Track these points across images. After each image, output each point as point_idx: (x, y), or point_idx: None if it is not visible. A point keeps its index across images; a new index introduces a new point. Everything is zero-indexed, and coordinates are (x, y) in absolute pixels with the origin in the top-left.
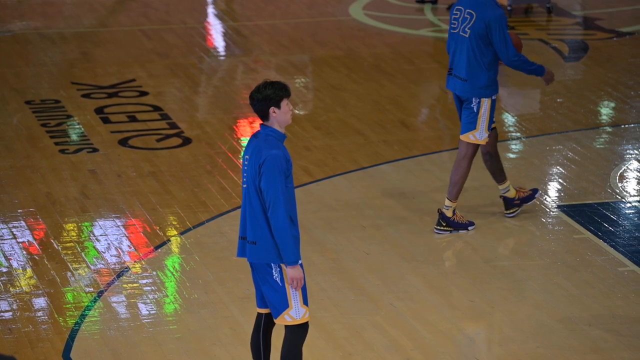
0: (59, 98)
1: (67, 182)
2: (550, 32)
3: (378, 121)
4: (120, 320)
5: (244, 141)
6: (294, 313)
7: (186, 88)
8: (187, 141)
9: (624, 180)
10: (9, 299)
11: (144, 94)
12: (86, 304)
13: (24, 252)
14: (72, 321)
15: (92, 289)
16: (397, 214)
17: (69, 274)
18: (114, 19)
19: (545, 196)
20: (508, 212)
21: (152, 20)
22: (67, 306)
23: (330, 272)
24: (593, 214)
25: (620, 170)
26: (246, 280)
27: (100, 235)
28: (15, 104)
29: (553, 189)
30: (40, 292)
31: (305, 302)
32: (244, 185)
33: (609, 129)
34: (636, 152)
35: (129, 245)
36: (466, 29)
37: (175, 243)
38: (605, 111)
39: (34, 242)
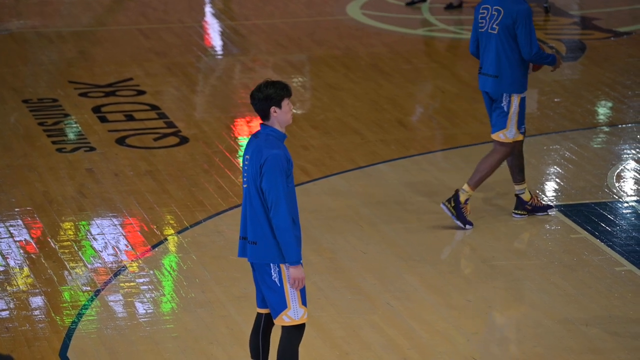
0: (57, 97)
1: (64, 181)
2: (547, 31)
3: (375, 120)
4: (117, 319)
5: (242, 140)
6: (293, 314)
7: (184, 87)
8: (184, 140)
9: (621, 180)
10: (6, 298)
11: (141, 93)
12: (83, 302)
13: (21, 251)
14: (69, 320)
15: (89, 288)
16: (394, 213)
17: (66, 272)
18: (111, 18)
19: (543, 196)
20: (517, 211)
21: (150, 19)
22: (64, 305)
23: (327, 271)
24: (590, 214)
25: (618, 170)
26: (243, 280)
27: (98, 234)
28: (12, 102)
29: (550, 188)
30: (37, 290)
31: (304, 302)
32: (245, 185)
33: (606, 129)
34: (633, 151)
35: (126, 244)
36: (494, 26)
37: (172, 242)
38: (603, 111)
39: (31, 240)
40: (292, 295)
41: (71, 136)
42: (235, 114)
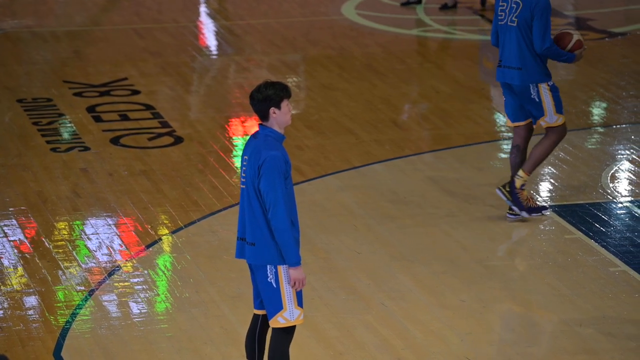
0: (51, 96)
1: (58, 181)
2: None
3: (370, 120)
4: (111, 319)
5: (236, 140)
6: (289, 315)
7: (178, 87)
8: (179, 140)
9: (616, 181)
10: None
11: (135, 92)
12: (77, 302)
13: (15, 251)
14: (63, 320)
15: (83, 288)
16: (388, 213)
17: (60, 272)
18: (106, 17)
19: (537, 196)
20: (511, 212)
21: (145, 19)
22: (58, 305)
23: (321, 271)
24: (584, 214)
25: (612, 171)
26: (237, 280)
27: (92, 233)
28: (7, 102)
29: (545, 189)
30: (31, 290)
31: (299, 303)
32: (243, 186)
33: (600, 130)
34: (627, 152)
35: (120, 244)
36: (513, 19)
37: (166, 242)
38: (597, 111)
39: (25, 240)
40: (288, 297)
41: (65, 136)
42: (230, 114)
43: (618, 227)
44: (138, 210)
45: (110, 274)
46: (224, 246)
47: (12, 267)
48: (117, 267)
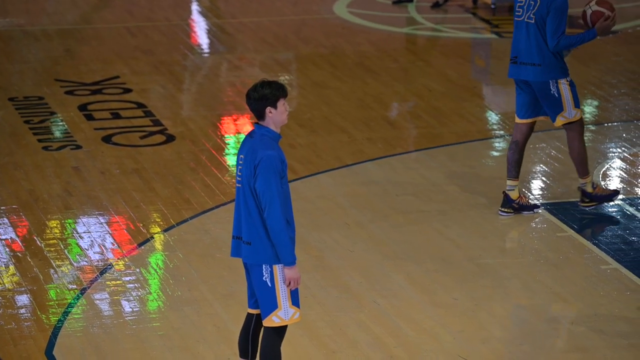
0: (43, 95)
1: (50, 179)
2: None
3: (362, 119)
4: (104, 318)
5: (228, 138)
6: (283, 314)
7: (170, 85)
8: (170, 138)
9: (607, 179)
10: None
11: (127, 91)
12: (69, 301)
13: (7, 249)
14: (55, 318)
15: (75, 286)
16: (381, 211)
17: (52, 271)
18: (97, 15)
19: (529, 194)
20: (503, 209)
21: (136, 17)
22: (50, 303)
23: (314, 269)
24: (576, 212)
25: (604, 169)
26: (229, 278)
27: (84, 232)
28: None
29: (537, 187)
30: (23, 289)
31: (294, 303)
32: (238, 185)
33: (592, 127)
34: (619, 150)
35: (112, 243)
36: (531, 16)
37: (158, 240)
38: (589, 109)
39: (17, 239)
40: (283, 296)
41: (57, 134)
42: (222, 112)
43: (610, 225)
44: (130, 208)
45: (102, 273)
46: (217, 244)
47: (3, 265)
48: (109, 265)
